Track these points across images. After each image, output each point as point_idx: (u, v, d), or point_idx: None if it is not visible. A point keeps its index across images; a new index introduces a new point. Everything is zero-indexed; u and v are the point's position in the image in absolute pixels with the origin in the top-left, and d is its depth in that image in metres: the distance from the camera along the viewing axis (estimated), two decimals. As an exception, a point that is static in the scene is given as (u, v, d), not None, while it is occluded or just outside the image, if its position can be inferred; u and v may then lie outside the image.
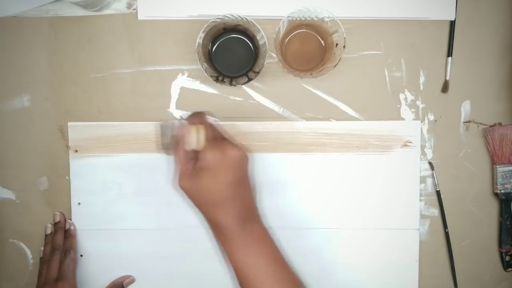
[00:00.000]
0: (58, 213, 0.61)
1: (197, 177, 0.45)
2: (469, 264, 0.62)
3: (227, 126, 0.60)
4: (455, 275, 0.62)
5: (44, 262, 0.59)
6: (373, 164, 0.61)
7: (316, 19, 0.55)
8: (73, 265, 0.58)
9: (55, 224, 0.61)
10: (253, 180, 0.49)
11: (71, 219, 0.61)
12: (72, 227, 0.60)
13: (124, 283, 0.60)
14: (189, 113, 0.50)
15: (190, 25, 0.59)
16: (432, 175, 0.61)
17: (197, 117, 0.49)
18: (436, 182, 0.61)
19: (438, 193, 0.61)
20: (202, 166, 0.45)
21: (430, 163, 0.61)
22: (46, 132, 0.61)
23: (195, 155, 0.47)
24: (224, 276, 0.61)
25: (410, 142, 0.60)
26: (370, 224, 0.61)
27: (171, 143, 0.49)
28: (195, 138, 0.46)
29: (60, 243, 0.59)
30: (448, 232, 0.61)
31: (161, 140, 0.50)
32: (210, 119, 0.49)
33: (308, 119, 0.61)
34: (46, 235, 0.60)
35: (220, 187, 0.45)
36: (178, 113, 0.61)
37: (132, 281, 0.61)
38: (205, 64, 0.55)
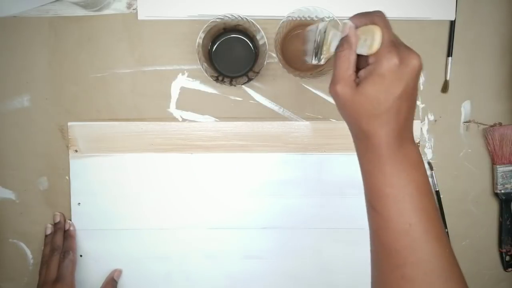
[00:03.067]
0: (58, 213, 0.61)
1: (361, 84, 0.39)
2: (469, 264, 0.62)
3: (227, 126, 0.60)
4: (455, 275, 0.62)
5: (43, 262, 0.59)
6: (373, 164, 0.60)
7: (316, 19, 0.55)
8: (71, 266, 0.58)
9: (55, 225, 0.61)
10: (416, 96, 0.42)
11: (71, 219, 0.61)
12: (71, 228, 0.60)
13: (114, 277, 0.60)
14: (357, 13, 0.42)
15: (190, 25, 0.59)
16: (432, 175, 0.61)
17: (368, 17, 0.41)
18: (436, 182, 0.61)
19: (437, 193, 0.61)
20: (371, 72, 0.38)
21: (429, 163, 0.61)
22: (46, 132, 0.61)
23: (358, 62, 0.41)
24: (224, 276, 0.62)
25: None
26: (370, 224, 0.61)
27: (316, 48, 0.43)
28: (370, 41, 0.39)
29: (60, 243, 0.59)
30: (447, 232, 0.61)
31: (305, 47, 0.45)
32: (383, 18, 0.41)
33: (308, 119, 0.61)
34: (46, 236, 0.60)
35: (388, 99, 0.38)
36: (178, 113, 0.61)
37: (120, 272, 0.61)
38: (205, 64, 0.55)
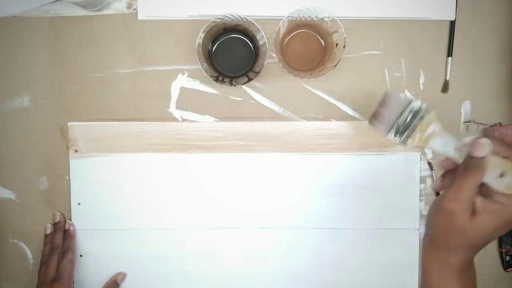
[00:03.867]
0: (58, 213, 0.61)
1: (482, 216, 0.38)
2: (469, 264, 0.62)
3: (227, 126, 0.60)
4: (455, 275, 0.62)
5: (43, 262, 0.59)
6: (373, 164, 0.61)
7: (316, 19, 0.55)
8: (70, 266, 0.58)
9: (55, 224, 0.61)
10: None
11: (71, 219, 0.61)
12: (71, 228, 0.60)
13: (117, 280, 0.60)
14: (495, 127, 0.42)
15: (190, 25, 0.59)
16: (432, 175, 0.61)
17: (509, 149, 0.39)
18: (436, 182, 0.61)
19: (437, 194, 0.61)
20: (498, 214, 0.38)
21: (429, 163, 0.61)
22: (46, 132, 0.61)
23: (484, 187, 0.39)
24: (224, 276, 0.62)
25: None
26: (370, 224, 0.61)
27: (400, 126, 0.41)
28: (508, 179, 0.37)
29: (59, 243, 0.59)
30: (448, 232, 0.61)
31: (382, 110, 0.42)
32: None
33: (308, 119, 0.61)
34: (45, 235, 0.60)
35: (489, 238, 0.39)
36: (178, 113, 0.61)
37: (124, 276, 0.61)
38: (205, 64, 0.55)
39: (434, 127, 0.41)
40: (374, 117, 0.44)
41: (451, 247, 0.40)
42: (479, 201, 0.38)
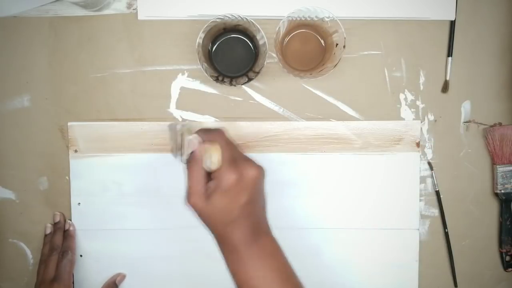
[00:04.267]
0: (58, 213, 0.61)
1: (210, 197, 0.44)
2: (469, 264, 0.62)
3: (227, 126, 0.60)
4: (455, 275, 0.62)
5: (42, 262, 0.59)
6: (373, 164, 0.61)
7: (316, 19, 0.55)
8: (69, 266, 0.58)
9: (55, 224, 0.61)
10: (265, 192, 0.48)
11: (71, 219, 0.61)
12: (71, 228, 0.60)
13: (116, 281, 0.60)
14: (202, 128, 0.47)
15: (190, 25, 0.59)
16: (432, 175, 0.61)
17: (211, 135, 0.46)
18: (436, 182, 0.61)
19: (437, 193, 0.61)
20: (216, 187, 0.44)
21: (429, 163, 0.61)
22: (46, 132, 0.61)
23: (208, 173, 0.45)
24: (224, 276, 0.61)
25: (416, 142, 0.60)
26: (370, 224, 0.61)
27: (177, 148, 0.47)
28: (210, 159, 0.44)
29: (59, 243, 0.59)
30: (448, 232, 0.61)
31: (171, 143, 0.49)
32: (224, 137, 0.46)
33: (308, 119, 0.61)
34: (45, 235, 0.60)
35: (234, 208, 0.44)
36: (178, 113, 0.61)
37: (124, 277, 0.61)
38: (205, 64, 0.55)
39: (187, 140, 0.46)
40: (171, 150, 0.50)
41: (218, 232, 0.45)
42: (210, 184, 0.44)
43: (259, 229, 0.47)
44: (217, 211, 0.44)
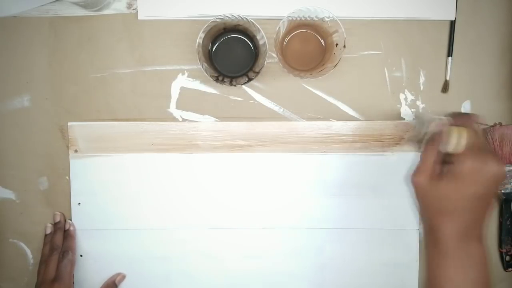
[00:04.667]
0: (58, 213, 0.61)
1: (441, 180, 0.42)
2: (469, 264, 0.62)
3: (227, 126, 0.60)
4: (455, 275, 0.62)
5: (42, 262, 0.59)
6: (373, 164, 0.61)
7: (316, 19, 0.55)
8: (70, 266, 0.58)
9: (55, 224, 0.61)
10: (494, 200, 0.46)
11: (71, 219, 0.61)
12: (71, 228, 0.60)
13: (116, 281, 0.60)
14: (455, 112, 0.46)
15: (190, 25, 0.59)
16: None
17: (463, 119, 0.44)
18: (436, 182, 0.61)
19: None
20: (453, 172, 0.41)
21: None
22: (46, 132, 0.61)
23: (444, 158, 0.43)
24: (224, 276, 0.62)
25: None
26: (370, 224, 0.61)
27: (423, 137, 0.46)
28: (455, 141, 0.42)
29: (59, 243, 0.59)
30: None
31: (414, 132, 0.48)
32: (477, 124, 0.45)
33: (308, 119, 0.61)
34: (45, 235, 0.60)
35: (458, 198, 0.41)
36: (178, 113, 0.61)
37: (123, 277, 0.61)
38: (205, 64, 0.55)
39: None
40: (411, 141, 0.50)
41: (431, 219, 0.43)
42: (444, 168, 0.42)
43: (474, 231, 0.43)
44: (439, 195, 0.42)
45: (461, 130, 0.43)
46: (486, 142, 0.45)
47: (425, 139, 0.45)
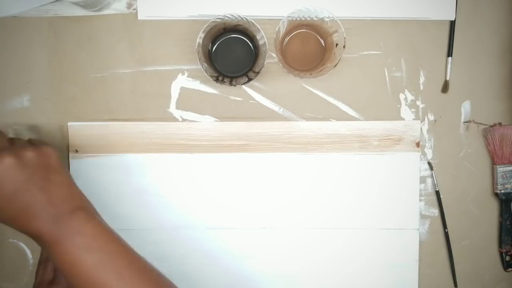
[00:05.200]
0: (58, 213, 0.61)
1: None
2: (469, 264, 0.62)
3: (227, 126, 0.60)
4: (455, 275, 0.62)
5: (41, 262, 0.58)
6: (373, 164, 0.61)
7: (316, 19, 0.55)
8: None
9: (54, 224, 0.60)
10: (60, 172, 0.44)
11: (71, 219, 0.61)
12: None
13: None
14: None
15: (190, 25, 0.59)
16: (432, 175, 0.61)
17: None
18: (435, 182, 0.61)
19: (437, 193, 0.61)
20: None
21: (429, 163, 0.61)
22: (46, 132, 0.61)
23: None
24: (224, 276, 0.62)
25: (415, 142, 0.60)
26: (370, 224, 0.61)
27: None
28: None
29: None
30: (447, 232, 0.61)
31: None
32: None
33: (308, 119, 0.61)
34: (45, 235, 0.60)
35: (6, 203, 0.40)
36: (178, 113, 0.61)
37: None
38: (205, 64, 0.55)
39: None
40: None
41: (20, 227, 0.42)
42: None
43: (60, 209, 0.42)
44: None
45: None
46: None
47: None
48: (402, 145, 0.60)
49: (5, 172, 0.40)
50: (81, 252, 0.40)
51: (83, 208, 0.43)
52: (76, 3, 0.57)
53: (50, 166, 0.43)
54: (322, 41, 0.58)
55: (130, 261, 0.42)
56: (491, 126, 0.61)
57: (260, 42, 0.56)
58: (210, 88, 0.61)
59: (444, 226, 0.61)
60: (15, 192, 0.40)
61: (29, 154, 0.42)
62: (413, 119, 0.61)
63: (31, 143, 0.44)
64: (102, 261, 0.40)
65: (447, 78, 0.60)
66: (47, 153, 0.43)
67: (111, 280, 0.40)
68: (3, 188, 0.40)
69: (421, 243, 0.61)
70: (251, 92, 0.60)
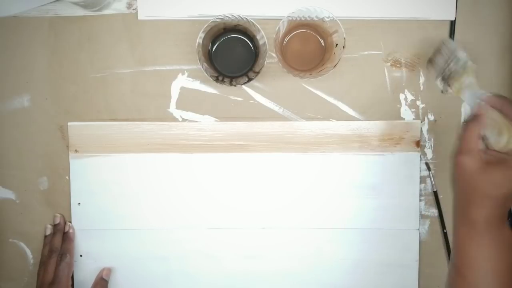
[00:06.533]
0: (59, 215, 0.61)
1: (492, 166, 0.41)
2: (469, 264, 0.62)
3: (227, 126, 0.60)
4: (455, 275, 0.62)
5: (42, 263, 0.59)
6: (373, 164, 0.61)
7: (316, 19, 0.55)
8: (67, 269, 0.58)
9: (55, 226, 0.60)
10: None
11: (71, 219, 0.61)
12: (71, 230, 0.60)
13: (103, 276, 0.60)
14: (500, 96, 0.43)
15: (190, 25, 0.59)
16: (429, 175, 0.61)
17: (504, 105, 0.42)
18: (433, 183, 0.61)
19: (435, 193, 0.61)
20: (503, 162, 0.41)
21: (427, 164, 0.61)
22: (46, 132, 0.61)
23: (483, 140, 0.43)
24: (224, 276, 0.62)
25: (415, 142, 0.60)
26: (370, 224, 0.61)
27: (444, 70, 0.44)
28: (496, 134, 0.41)
29: (58, 245, 0.59)
30: (446, 232, 0.61)
31: (437, 59, 0.47)
32: None
33: (308, 119, 0.61)
34: (45, 236, 0.60)
35: (506, 186, 0.41)
36: (178, 113, 0.61)
37: (110, 270, 0.61)
38: (205, 64, 0.55)
39: (469, 80, 0.44)
40: (429, 63, 0.48)
41: (470, 201, 0.42)
42: (491, 153, 0.41)
43: (505, 219, 0.43)
44: (490, 181, 0.41)
45: (502, 125, 0.41)
46: None
47: (457, 86, 0.43)
48: (402, 145, 0.60)
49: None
50: (483, 243, 0.42)
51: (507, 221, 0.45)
52: (76, 3, 0.57)
53: None
54: (322, 41, 0.58)
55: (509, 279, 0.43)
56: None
57: (260, 42, 0.56)
58: (210, 88, 0.61)
59: (443, 226, 0.61)
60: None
61: None
62: (413, 119, 0.61)
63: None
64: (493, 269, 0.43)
65: (447, 78, 0.60)
66: None
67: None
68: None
69: (421, 243, 0.61)
70: (251, 92, 0.60)
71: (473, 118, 0.43)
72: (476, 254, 0.42)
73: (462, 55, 0.45)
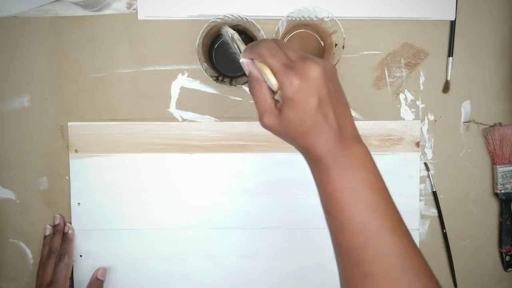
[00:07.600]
0: (58, 215, 0.61)
1: (282, 111, 0.39)
2: (469, 264, 0.62)
3: (227, 126, 0.60)
4: (454, 275, 0.62)
5: (41, 263, 0.59)
6: (373, 164, 0.60)
7: (315, 19, 0.55)
8: (66, 270, 0.58)
9: (54, 227, 0.60)
10: (342, 92, 0.42)
11: (71, 219, 0.61)
12: (70, 231, 0.60)
13: (98, 276, 0.60)
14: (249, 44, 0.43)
15: (190, 25, 0.59)
16: (428, 176, 0.61)
17: (254, 52, 0.41)
18: (433, 183, 0.61)
19: (434, 194, 0.61)
20: (283, 99, 0.39)
21: (425, 164, 0.61)
22: (46, 132, 0.61)
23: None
24: (224, 276, 0.62)
25: (415, 142, 0.60)
26: (370, 224, 0.61)
27: (234, 51, 0.45)
28: (266, 78, 0.41)
29: (57, 246, 0.59)
30: (445, 232, 0.61)
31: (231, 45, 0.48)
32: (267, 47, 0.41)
33: (308, 119, 0.61)
34: (45, 236, 0.60)
35: (308, 114, 0.39)
36: (178, 113, 0.61)
37: (105, 270, 0.60)
38: (205, 64, 0.55)
39: (236, 47, 0.46)
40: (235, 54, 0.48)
41: (299, 144, 0.41)
42: (277, 97, 0.40)
43: (346, 133, 0.40)
44: (291, 123, 0.40)
45: (262, 67, 0.41)
46: (290, 50, 0.41)
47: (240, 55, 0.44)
48: (402, 145, 0.60)
49: (313, 83, 0.39)
50: (363, 188, 0.40)
51: (358, 137, 0.41)
52: (76, 3, 0.57)
53: (337, 83, 0.42)
54: (322, 41, 0.58)
55: (376, 190, 0.41)
56: (491, 126, 0.61)
57: (260, 42, 0.56)
58: (210, 88, 0.61)
59: (442, 226, 0.61)
60: (318, 105, 0.39)
61: (329, 66, 0.41)
62: (413, 119, 0.61)
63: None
64: (376, 206, 0.40)
65: (448, 78, 0.60)
66: (333, 69, 0.41)
67: (357, 203, 0.39)
68: (309, 101, 0.39)
69: (421, 243, 0.61)
70: (251, 92, 0.60)
71: (250, 81, 0.42)
72: (333, 189, 0.40)
73: (230, 30, 0.47)
